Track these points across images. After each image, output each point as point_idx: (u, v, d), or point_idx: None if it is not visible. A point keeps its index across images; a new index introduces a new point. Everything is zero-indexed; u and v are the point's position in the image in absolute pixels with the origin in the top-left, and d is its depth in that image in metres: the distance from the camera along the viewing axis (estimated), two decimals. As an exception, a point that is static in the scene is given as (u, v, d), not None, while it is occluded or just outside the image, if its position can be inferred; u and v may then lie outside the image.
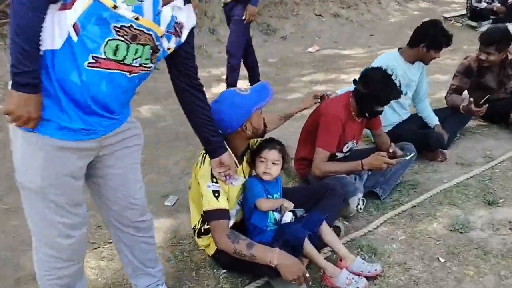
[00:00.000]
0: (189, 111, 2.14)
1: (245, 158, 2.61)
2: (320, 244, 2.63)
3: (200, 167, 2.40)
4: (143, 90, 5.50)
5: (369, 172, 3.35)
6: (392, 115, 3.97)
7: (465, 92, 4.35)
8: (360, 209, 3.23)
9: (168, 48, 1.87)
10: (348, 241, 2.89)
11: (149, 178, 3.86)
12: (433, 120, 4.05)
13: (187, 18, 1.87)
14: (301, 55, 7.83)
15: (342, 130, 3.20)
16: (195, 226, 2.65)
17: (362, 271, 2.53)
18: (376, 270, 2.53)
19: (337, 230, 2.88)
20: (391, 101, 3.20)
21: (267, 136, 2.69)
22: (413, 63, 3.88)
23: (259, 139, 2.72)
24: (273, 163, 2.57)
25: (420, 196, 3.32)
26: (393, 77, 3.11)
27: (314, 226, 2.61)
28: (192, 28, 1.93)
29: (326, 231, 2.63)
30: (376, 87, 3.04)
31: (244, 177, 2.61)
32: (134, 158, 2.07)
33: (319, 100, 3.29)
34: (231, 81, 5.38)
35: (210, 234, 2.53)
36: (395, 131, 3.94)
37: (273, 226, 2.64)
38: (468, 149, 4.08)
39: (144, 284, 2.39)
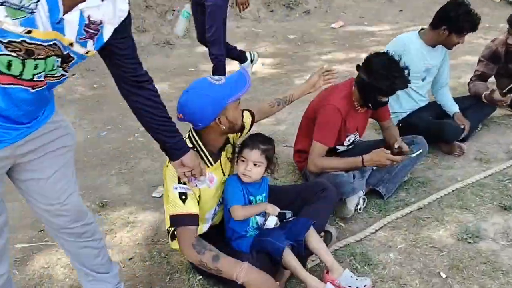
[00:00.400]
0: (135, 112, 1.88)
1: (223, 154, 2.34)
2: (305, 252, 2.37)
3: (167, 165, 2.15)
4: (151, 66, 5.30)
5: (374, 168, 3.04)
6: (407, 101, 3.61)
7: (491, 79, 3.92)
8: (360, 209, 2.94)
9: (87, 52, 1.65)
10: (341, 247, 2.61)
11: (144, 164, 3.67)
12: (452, 108, 3.66)
13: (111, 13, 1.60)
14: (323, 31, 7.41)
15: (342, 123, 2.89)
16: (169, 227, 2.43)
17: (350, 286, 2.26)
18: (365, 286, 2.25)
19: (328, 236, 2.61)
20: (398, 91, 2.85)
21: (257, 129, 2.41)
22: (434, 46, 3.49)
23: (246, 133, 2.45)
24: (255, 164, 2.30)
25: (429, 197, 3.00)
26: (401, 64, 2.76)
27: (299, 233, 2.33)
28: (125, 19, 1.66)
29: (313, 237, 2.36)
30: (379, 75, 2.70)
31: (224, 174, 2.35)
32: (61, 162, 1.88)
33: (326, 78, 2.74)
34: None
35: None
36: (408, 119, 3.59)
37: (254, 232, 2.39)
38: (490, 143, 3.69)
39: None
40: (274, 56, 6.32)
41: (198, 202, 2.20)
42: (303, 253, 2.34)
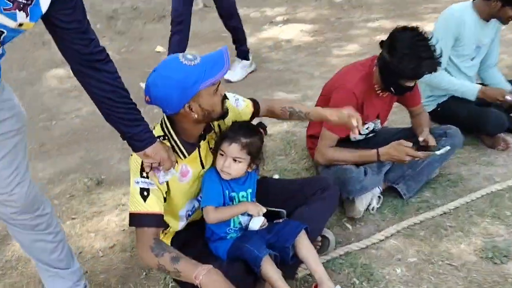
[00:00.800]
0: (91, 97, 1.62)
1: (203, 144, 2.02)
2: (294, 260, 2.04)
3: (132, 155, 1.86)
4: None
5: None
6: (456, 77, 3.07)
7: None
8: (373, 209, 2.56)
9: (20, 25, 1.41)
10: (341, 255, 2.27)
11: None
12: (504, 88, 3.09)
13: None
14: (374, -6, 6.78)
15: (359, 108, 2.48)
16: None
17: (338, 307, 1.93)
18: (355, 309, 1.91)
19: (325, 242, 2.27)
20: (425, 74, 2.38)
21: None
22: (488, 20, 2.94)
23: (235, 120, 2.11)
24: (234, 160, 1.97)
25: (457, 200, 2.55)
26: (430, 43, 2.29)
27: (286, 240, 2.01)
28: None
29: (303, 244, 2.03)
30: (403, 56, 2.26)
31: (203, 167, 2.04)
32: (6, 148, 1.68)
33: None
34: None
35: (164, 230, 2.06)
36: (448, 104, 3.10)
37: (236, 234, 2.08)
38: (543, 137, 3.13)
39: None
40: (314, 22, 5.84)
41: (165, 198, 1.91)
42: (289, 262, 2.02)
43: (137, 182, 1.83)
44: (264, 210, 2.05)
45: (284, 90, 4.13)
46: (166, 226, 2.04)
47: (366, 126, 2.60)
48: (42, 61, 5.11)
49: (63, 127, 3.89)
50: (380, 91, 2.51)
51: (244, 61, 4.46)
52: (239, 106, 2.12)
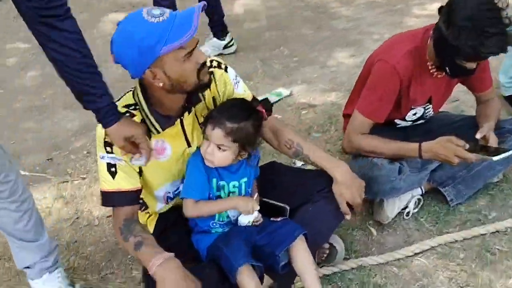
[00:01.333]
0: (52, 63, 1.40)
1: (188, 116, 1.68)
2: (287, 269, 1.69)
3: (97, 126, 1.59)
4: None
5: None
6: None
7: None
8: (408, 214, 2.10)
9: None
10: (353, 268, 1.88)
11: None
12: None
13: None
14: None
15: (403, 89, 1.99)
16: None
17: None
18: None
19: (333, 251, 1.88)
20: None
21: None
22: None
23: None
24: (219, 148, 1.61)
25: (519, 216, 2.02)
26: (505, 14, 1.72)
27: (277, 246, 1.65)
28: None
29: (299, 252, 1.67)
30: (461, 29, 1.71)
31: (188, 145, 1.71)
32: None
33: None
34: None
35: (145, 210, 1.84)
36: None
37: (221, 229, 1.76)
38: None
39: (24, 261, 1.86)
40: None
41: (140, 174, 1.65)
42: (279, 271, 1.68)
43: (102, 157, 1.59)
44: (257, 207, 1.70)
45: (343, 52, 3.62)
46: (145, 205, 1.81)
47: (412, 111, 2.10)
48: (105, 4, 4.95)
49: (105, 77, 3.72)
50: (434, 70, 1.98)
51: (215, 40, 3.79)
52: (237, 89, 1.77)
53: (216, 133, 1.58)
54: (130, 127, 1.50)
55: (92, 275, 2.02)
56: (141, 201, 1.87)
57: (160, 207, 1.81)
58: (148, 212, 1.88)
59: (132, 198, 1.62)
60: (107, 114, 1.46)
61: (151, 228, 1.82)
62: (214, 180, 1.70)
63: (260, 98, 3.06)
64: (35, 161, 2.81)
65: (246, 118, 1.61)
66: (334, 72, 3.36)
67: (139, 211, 1.92)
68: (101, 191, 1.63)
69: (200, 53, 1.48)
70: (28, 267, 1.86)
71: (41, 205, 2.42)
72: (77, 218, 2.34)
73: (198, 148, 1.71)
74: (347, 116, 2.31)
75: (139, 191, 1.64)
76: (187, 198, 1.67)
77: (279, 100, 3.10)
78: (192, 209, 1.67)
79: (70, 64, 1.36)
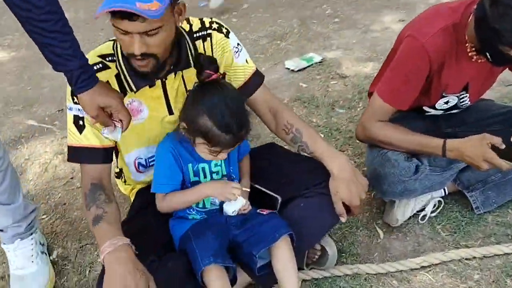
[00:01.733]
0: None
1: (173, 78, 1.48)
2: (264, 272, 1.51)
3: None
4: None
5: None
6: None
7: None
8: (425, 218, 1.83)
9: None
10: (346, 275, 1.65)
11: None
12: None
13: None
14: None
15: (433, 73, 1.67)
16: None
17: None
18: None
19: (324, 254, 1.66)
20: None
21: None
22: None
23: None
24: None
25: (556, 237, 1.70)
26: None
27: (256, 244, 1.46)
28: None
29: (281, 253, 1.48)
30: (504, 10, 1.37)
31: (170, 112, 1.52)
32: None
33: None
34: None
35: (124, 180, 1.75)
36: None
37: (198, 216, 1.57)
38: None
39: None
40: None
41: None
42: (256, 272, 1.49)
43: (70, 109, 1.46)
44: (238, 193, 1.48)
45: (391, 15, 3.23)
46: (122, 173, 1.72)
47: (444, 99, 1.78)
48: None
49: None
50: (474, 53, 1.63)
51: None
52: (237, 58, 1.56)
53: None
54: (106, 95, 1.33)
55: (72, 243, 1.92)
56: (117, 170, 1.74)
57: (136, 176, 1.65)
58: (130, 184, 1.75)
59: (101, 155, 1.48)
60: (79, 79, 1.27)
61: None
62: (190, 165, 1.51)
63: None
64: (46, 111, 2.73)
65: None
66: (375, 39, 3.01)
67: (119, 181, 1.80)
68: (67, 146, 1.50)
69: (128, 42, 1.29)
70: (1, 230, 1.77)
71: (39, 159, 2.34)
72: (72, 178, 2.24)
73: (169, 132, 1.53)
74: (371, 95, 2.01)
75: (109, 149, 1.51)
76: (158, 194, 1.51)
77: (308, 66, 2.81)
78: (162, 204, 1.51)
79: (29, 16, 1.19)
